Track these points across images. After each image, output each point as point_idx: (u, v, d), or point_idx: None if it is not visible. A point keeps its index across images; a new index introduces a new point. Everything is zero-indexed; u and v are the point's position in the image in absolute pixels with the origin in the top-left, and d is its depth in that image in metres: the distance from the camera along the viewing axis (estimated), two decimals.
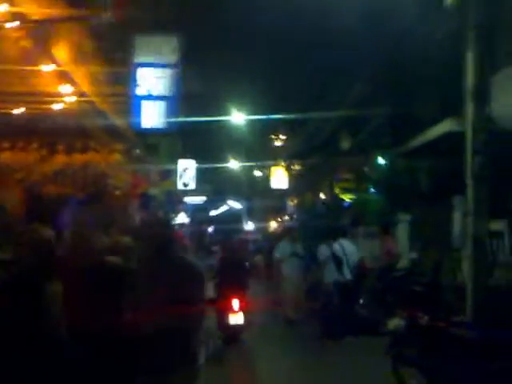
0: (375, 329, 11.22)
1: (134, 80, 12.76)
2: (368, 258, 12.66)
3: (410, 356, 8.00)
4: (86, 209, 10.16)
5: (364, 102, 19.34)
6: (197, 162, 28.43)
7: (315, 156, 25.17)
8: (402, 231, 14.73)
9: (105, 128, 11.75)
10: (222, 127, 30.25)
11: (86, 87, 10.72)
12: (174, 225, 13.27)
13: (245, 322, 11.44)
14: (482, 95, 9.06)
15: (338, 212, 19.79)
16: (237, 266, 12.04)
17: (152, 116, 12.55)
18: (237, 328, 11.35)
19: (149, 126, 12.59)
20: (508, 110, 10.22)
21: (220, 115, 24.76)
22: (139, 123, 12.45)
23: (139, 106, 12.73)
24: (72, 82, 10.02)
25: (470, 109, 9.10)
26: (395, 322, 9.13)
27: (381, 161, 16.93)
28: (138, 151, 13.03)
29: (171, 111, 12.76)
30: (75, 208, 10.29)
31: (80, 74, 10.46)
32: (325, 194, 22.82)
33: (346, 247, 12.41)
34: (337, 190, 19.41)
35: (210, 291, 10.74)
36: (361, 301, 12.03)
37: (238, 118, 24.35)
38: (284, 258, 13.68)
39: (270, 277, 16.62)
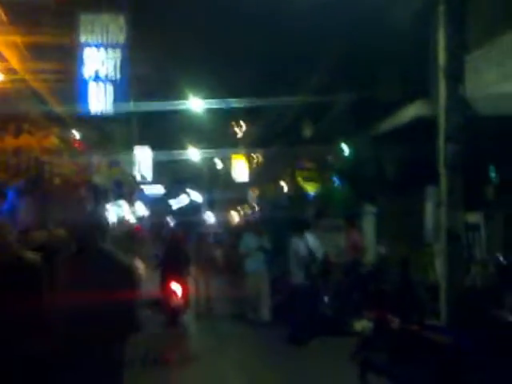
0: (341, 329, 10.55)
1: (80, 61, 11.80)
2: (332, 253, 11.85)
3: (378, 362, 7.30)
4: (20, 197, 9.30)
5: (325, 88, 18.70)
6: (155, 151, 27.48)
7: (276, 144, 24.50)
8: (368, 224, 14.03)
9: (42, 111, 10.74)
10: (180, 114, 29.27)
11: (16, 63, 9.71)
12: (104, 217, 12.27)
13: (184, 304, 12.76)
14: (456, 73, 8.39)
15: (301, 203, 19.06)
16: (178, 255, 13.15)
17: (100, 100, 11.60)
18: (176, 310, 12.54)
19: (97, 111, 11.63)
20: (482, 92, 9.62)
21: (176, 101, 23.80)
22: (86, 107, 11.49)
23: (86, 88, 11.77)
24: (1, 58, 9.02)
25: (442, 89, 8.44)
26: (362, 324, 8.44)
27: (345, 149, 16.25)
28: (78, 136, 11.96)
29: (121, 95, 11.84)
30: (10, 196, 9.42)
31: (10, 50, 9.46)
32: (287, 185, 22.06)
33: (310, 241, 11.66)
34: (298, 180, 18.65)
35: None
36: (325, 299, 11.26)
37: (195, 103, 23.38)
38: (249, 252, 12.80)
39: (232, 271, 15.76)
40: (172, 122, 32.11)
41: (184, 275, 13.04)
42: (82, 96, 11.42)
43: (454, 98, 8.35)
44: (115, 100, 11.51)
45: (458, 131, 8.24)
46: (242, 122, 33.25)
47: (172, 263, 12.88)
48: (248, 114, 30.25)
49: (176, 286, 12.51)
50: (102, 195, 11.55)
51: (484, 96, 9.47)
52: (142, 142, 27.66)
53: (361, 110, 15.48)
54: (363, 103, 15.23)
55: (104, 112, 11.56)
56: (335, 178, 16.97)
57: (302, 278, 11.19)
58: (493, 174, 9.97)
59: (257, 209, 28.85)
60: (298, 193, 19.94)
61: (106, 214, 14.36)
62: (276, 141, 24.73)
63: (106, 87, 11.63)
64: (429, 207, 10.12)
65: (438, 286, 8.58)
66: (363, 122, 15.00)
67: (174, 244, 13.54)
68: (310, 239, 11.63)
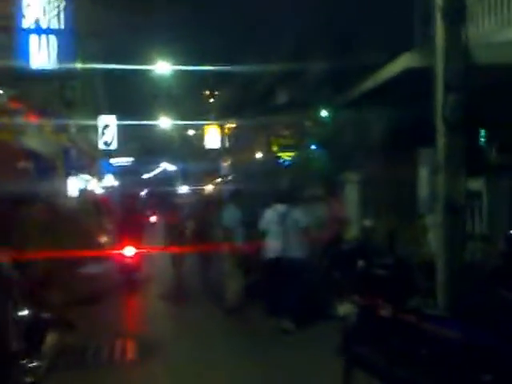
0: (323, 313, 9.43)
1: (20, 10, 10.33)
2: (311, 227, 10.57)
3: (367, 359, 6.15)
4: None
5: (299, 51, 17.53)
6: (122, 119, 25.98)
7: (250, 112, 23.25)
8: (351, 194, 12.82)
9: None
10: (149, 79, 27.86)
11: None
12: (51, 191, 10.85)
13: (137, 264, 14.05)
14: (456, 14, 7.19)
15: (276, 173, 17.82)
16: (132, 220, 14.60)
17: (41, 54, 10.14)
18: (131, 268, 13.85)
19: (38, 67, 10.18)
20: (484, 38, 8.43)
21: (144, 64, 22.39)
22: (26, 62, 10.04)
23: (26, 41, 10.32)
24: None
25: (439, 32, 7.29)
26: (345, 308, 7.30)
27: (323, 114, 15.02)
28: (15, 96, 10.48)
29: (66, 50, 10.37)
30: None
31: None
32: (262, 153, 20.81)
33: (286, 214, 10.39)
34: (274, 148, 17.41)
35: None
36: (304, 278, 10.05)
37: (163, 67, 21.94)
38: (234, 228, 11.34)
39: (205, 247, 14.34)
40: (140, 88, 30.72)
41: (139, 239, 14.29)
42: (22, 49, 9.96)
43: (453, 41, 7.19)
44: (59, 55, 10.06)
45: (459, 79, 7.11)
46: (213, 91, 31.91)
47: (126, 229, 14.12)
48: (220, 82, 28.97)
49: (129, 249, 13.89)
50: (47, 166, 10.12)
51: (481, 44, 8.26)
52: (107, 109, 26.17)
53: (339, 74, 14.27)
54: (341, 67, 14.05)
55: (45, 68, 10.10)
56: (313, 145, 15.74)
57: (278, 254, 10.03)
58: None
59: (229, 179, 27.60)
60: (273, 162, 18.70)
61: (61, 187, 12.95)
62: (249, 108, 23.50)
63: (48, 39, 10.17)
64: (423, 173, 8.92)
65: (433, 264, 7.46)
66: (342, 86, 13.83)
67: (128, 212, 14.97)
68: (285, 211, 10.40)
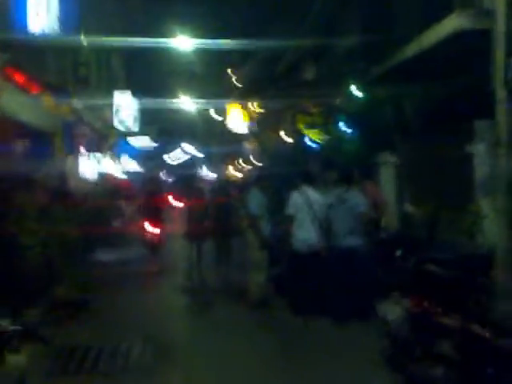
0: (360, 313, 8.37)
1: None
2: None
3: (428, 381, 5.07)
4: None
5: (330, 23, 16.36)
6: (141, 99, 24.95)
7: (275, 89, 22.06)
8: (387, 176, 11.65)
9: None
10: (169, 55, 26.77)
11: None
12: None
13: (161, 237, 15.13)
14: None
15: (303, 154, 16.71)
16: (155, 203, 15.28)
17: (41, 15, 9.11)
18: (155, 240, 15.03)
19: (37, 30, 9.15)
20: None
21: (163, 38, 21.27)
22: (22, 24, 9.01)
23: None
24: None
25: None
26: (388, 309, 6.29)
27: (355, 89, 13.85)
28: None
29: (68, 9, 9.32)
30: None
31: None
32: (287, 134, 19.66)
33: (311, 197, 9.36)
34: (300, 126, 16.26)
35: None
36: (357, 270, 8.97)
37: (183, 42, 20.84)
38: (260, 214, 10.24)
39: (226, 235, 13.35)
40: (160, 66, 29.65)
41: (160, 219, 15.10)
42: (19, 9, 8.93)
43: None
44: (61, 18, 9.03)
45: None
46: (236, 69, 30.74)
47: (150, 210, 14.99)
48: (243, 58, 27.86)
49: (153, 228, 14.96)
50: (43, 143, 9.10)
51: None
52: (125, 88, 25.10)
53: (373, 44, 13.11)
54: (375, 37, 12.89)
55: (45, 31, 9.06)
56: (344, 124, 14.57)
57: (307, 244, 9.05)
58: None
59: (254, 162, 26.57)
60: (299, 142, 17.57)
61: (60, 167, 11.95)
62: (274, 86, 22.31)
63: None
64: (479, 150, 7.77)
65: (490, 256, 6.37)
66: (377, 57, 12.69)
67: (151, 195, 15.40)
68: (312, 195, 9.38)
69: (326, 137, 15.64)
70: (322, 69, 17.37)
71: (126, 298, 10.90)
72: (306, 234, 9.22)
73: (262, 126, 25.08)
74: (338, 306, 8.73)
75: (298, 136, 17.49)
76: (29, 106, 8.99)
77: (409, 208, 9.07)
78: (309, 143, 16.43)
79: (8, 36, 8.58)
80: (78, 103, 14.68)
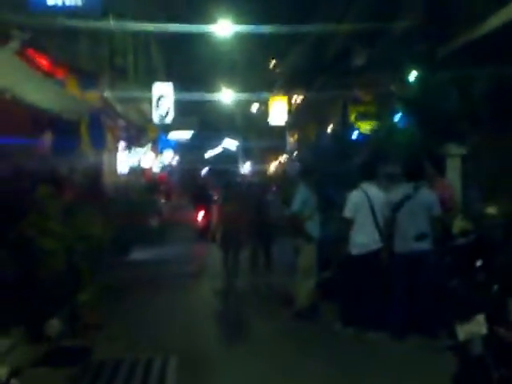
0: (427, 331, 7.20)
1: None
2: None
3: None
4: None
5: (384, 2, 15.08)
6: (180, 90, 23.87)
7: (320, 79, 20.83)
8: (453, 172, 10.29)
9: None
10: (208, 43, 25.70)
11: None
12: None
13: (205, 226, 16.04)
14: None
15: (353, 147, 15.42)
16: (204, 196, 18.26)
17: None
18: (202, 227, 17.01)
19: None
20: None
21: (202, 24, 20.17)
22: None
23: None
24: None
25: None
26: (472, 333, 5.13)
27: (413, 74, 12.56)
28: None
29: None
30: None
31: None
32: (334, 125, 18.40)
33: (372, 197, 8.11)
34: (352, 117, 14.97)
35: None
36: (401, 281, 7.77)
37: (224, 28, 19.67)
38: (310, 212, 8.96)
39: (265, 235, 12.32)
40: (200, 55, 28.64)
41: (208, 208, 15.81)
42: None
43: None
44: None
45: None
46: (278, 60, 29.49)
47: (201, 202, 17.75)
48: (287, 46, 26.64)
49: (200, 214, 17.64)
50: (68, 134, 8.04)
51: None
52: (163, 78, 24.14)
53: (435, 24, 11.83)
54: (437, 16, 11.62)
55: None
56: (401, 113, 13.27)
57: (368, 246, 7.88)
58: None
59: (294, 156, 25.32)
60: (348, 134, 16.30)
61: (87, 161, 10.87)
62: (320, 75, 21.08)
63: None
64: None
65: None
66: (438, 39, 11.42)
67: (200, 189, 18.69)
68: (373, 193, 8.16)
69: (379, 127, 14.35)
70: (374, 53, 16.05)
71: (158, 304, 9.93)
72: (366, 238, 8.00)
73: (306, 117, 23.81)
74: (399, 318, 7.59)
75: (348, 127, 16.22)
76: (51, 91, 7.91)
77: (491, 210, 7.75)
78: (360, 134, 15.17)
79: (27, 12, 7.53)
80: (108, 92, 13.64)
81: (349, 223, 8.11)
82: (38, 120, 7.86)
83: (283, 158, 30.27)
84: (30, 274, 7.31)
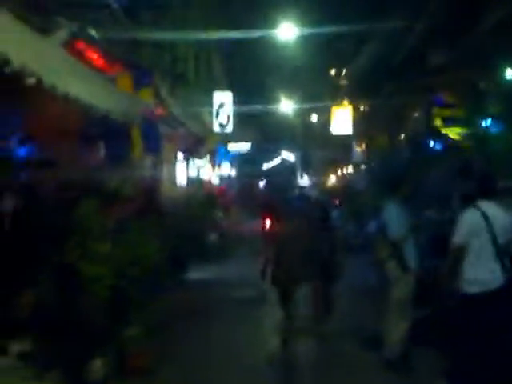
0: None
1: None
2: None
3: None
4: None
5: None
6: (239, 99, 22.46)
7: (391, 82, 19.06)
8: None
9: None
10: (270, 48, 24.25)
11: None
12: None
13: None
14: None
15: (438, 156, 13.60)
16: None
17: None
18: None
19: None
20: None
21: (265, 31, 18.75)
22: None
23: None
24: None
25: None
26: None
27: (509, 73, 10.78)
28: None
29: None
30: None
31: None
32: (412, 132, 16.58)
33: (492, 217, 6.11)
34: (437, 123, 13.12)
35: None
36: None
37: (287, 31, 18.17)
38: (404, 234, 7.24)
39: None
40: (260, 63, 27.22)
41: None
42: None
43: None
44: None
45: None
46: (343, 66, 27.79)
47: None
48: (351, 50, 24.98)
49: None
50: (120, 138, 6.60)
51: None
52: (224, 86, 22.82)
53: None
54: None
55: None
56: (492, 118, 11.45)
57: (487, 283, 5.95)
58: None
59: (362, 167, 23.53)
60: (430, 142, 14.49)
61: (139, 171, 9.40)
62: (390, 78, 19.32)
63: None
64: None
65: None
66: None
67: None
68: (493, 212, 6.15)
69: (469, 133, 12.52)
70: (457, 50, 14.27)
71: (217, 340, 8.41)
72: (483, 272, 6.03)
73: (376, 125, 22.00)
74: None
75: (431, 134, 14.40)
76: (102, 89, 6.46)
77: None
78: (445, 142, 13.36)
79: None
80: (167, 97, 12.22)
81: (461, 252, 6.19)
82: (88, 122, 6.48)
83: (346, 169, 28.48)
84: (69, 305, 5.88)
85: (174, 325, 8.39)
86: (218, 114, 20.70)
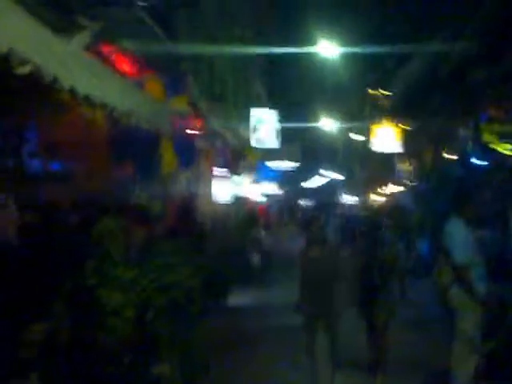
0: None
1: None
2: None
3: None
4: None
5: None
6: (281, 118, 21.63)
7: (435, 98, 18.09)
8: None
9: None
10: (310, 66, 23.57)
11: None
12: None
13: None
14: None
15: (488, 173, 12.54)
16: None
17: None
18: None
19: None
20: None
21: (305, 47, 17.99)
22: None
23: None
24: None
25: None
26: None
27: None
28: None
29: None
30: None
31: None
32: (461, 147, 15.50)
33: None
34: (487, 138, 12.07)
35: None
36: None
37: (327, 49, 17.38)
38: (471, 261, 6.30)
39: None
40: (300, 80, 26.55)
41: None
42: None
43: None
44: None
45: None
46: (383, 87, 26.84)
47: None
48: (391, 68, 24.07)
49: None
50: (147, 150, 5.81)
51: None
52: (263, 103, 22.13)
53: None
54: None
55: None
56: None
57: None
58: None
59: (410, 185, 22.37)
60: (479, 158, 13.42)
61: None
62: (434, 95, 18.35)
63: None
64: None
65: None
66: None
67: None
68: None
69: None
70: (504, 64, 13.28)
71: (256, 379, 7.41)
72: None
73: (421, 142, 20.93)
74: None
75: (479, 150, 13.34)
76: (126, 93, 5.67)
77: None
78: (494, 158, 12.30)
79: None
80: (202, 105, 11.42)
81: None
82: (111, 130, 5.71)
83: (390, 187, 27.34)
84: (84, 342, 5.04)
85: (212, 359, 7.46)
86: (256, 129, 19.98)
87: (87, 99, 4.68)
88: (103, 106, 4.98)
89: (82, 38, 5.54)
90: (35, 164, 6.06)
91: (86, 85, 4.72)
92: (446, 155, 16.84)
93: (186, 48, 12.07)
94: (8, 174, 5.95)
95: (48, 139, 5.96)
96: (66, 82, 4.30)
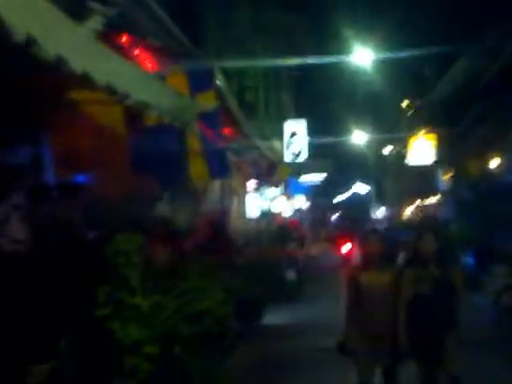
0: None
1: None
2: None
3: None
4: None
5: None
6: (312, 131, 20.67)
7: (475, 108, 17.03)
8: None
9: None
10: (343, 77, 22.70)
11: None
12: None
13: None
14: None
15: None
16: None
17: None
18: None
19: None
20: None
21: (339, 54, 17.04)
22: None
23: None
24: None
25: None
26: None
27: None
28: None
29: None
30: None
31: None
32: (509, 155, 14.40)
33: None
34: None
35: None
36: None
37: (362, 56, 16.39)
38: None
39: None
40: (332, 92, 25.67)
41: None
42: None
43: None
44: None
45: None
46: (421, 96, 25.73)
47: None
48: (427, 78, 23.00)
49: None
50: (171, 155, 4.89)
51: None
52: (294, 114, 21.27)
53: None
54: None
55: None
56: None
57: None
58: None
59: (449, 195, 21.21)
60: None
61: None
62: (474, 104, 17.27)
63: None
64: None
65: None
66: None
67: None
68: None
69: None
70: None
71: None
72: None
73: (462, 153, 19.76)
74: None
75: None
76: (146, 84, 4.73)
77: None
78: None
79: None
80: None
81: None
82: (136, 136, 4.79)
83: (426, 200, 26.17)
84: (97, 383, 4.08)
85: None
86: (289, 142, 18.97)
87: (107, 87, 3.79)
88: (123, 95, 4.04)
89: (93, 24, 4.66)
90: (48, 176, 5.18)
91: (102, 71, 3.84)
92: (495, 162, 15.72)
93: (215, 60, 11.24)
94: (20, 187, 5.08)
95: (62, 150, 5.08)
96: (78, 66, 3.45)
